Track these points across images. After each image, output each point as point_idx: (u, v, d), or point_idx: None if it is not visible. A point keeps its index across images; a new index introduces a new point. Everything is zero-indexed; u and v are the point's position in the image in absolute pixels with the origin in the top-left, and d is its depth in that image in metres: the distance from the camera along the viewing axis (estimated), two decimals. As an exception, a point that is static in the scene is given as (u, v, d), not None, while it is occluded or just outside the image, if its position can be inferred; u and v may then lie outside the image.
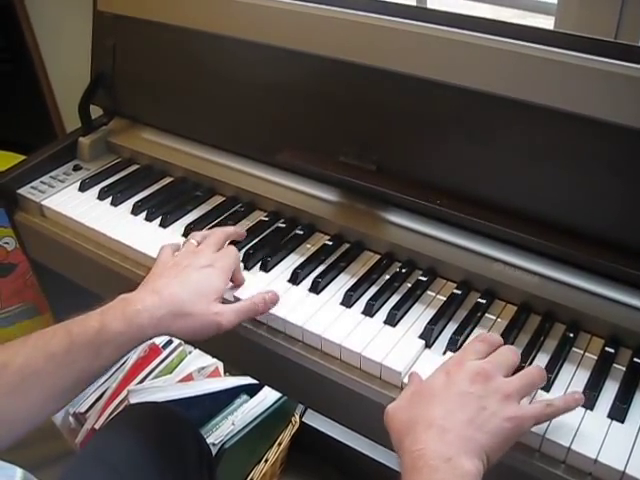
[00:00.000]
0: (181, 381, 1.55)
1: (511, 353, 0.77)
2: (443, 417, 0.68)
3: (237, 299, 0.95)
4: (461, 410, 0.69)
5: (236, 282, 0.98)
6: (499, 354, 0.76)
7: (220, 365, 1.65)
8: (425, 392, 0.72)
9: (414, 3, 1.38)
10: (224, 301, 0.91)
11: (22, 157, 1.33)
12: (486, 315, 0.91)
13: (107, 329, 0.81)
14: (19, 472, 0.68)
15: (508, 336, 0.86)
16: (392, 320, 0.90)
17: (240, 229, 1.05)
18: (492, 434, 0.67)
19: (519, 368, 0.77)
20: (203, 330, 0.86)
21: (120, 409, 1.47)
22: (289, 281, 0.98)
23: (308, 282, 0.97)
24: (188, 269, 0.90)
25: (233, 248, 0.97)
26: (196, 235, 0.98)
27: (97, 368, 0.83)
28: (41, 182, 1.25)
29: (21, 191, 1.23)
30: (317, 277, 0.97)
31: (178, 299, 0.85)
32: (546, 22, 1.20)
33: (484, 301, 0.92)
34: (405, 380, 0.82)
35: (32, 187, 1.24)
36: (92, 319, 0.82)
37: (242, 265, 1.01)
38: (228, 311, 0.87)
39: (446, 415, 0.68)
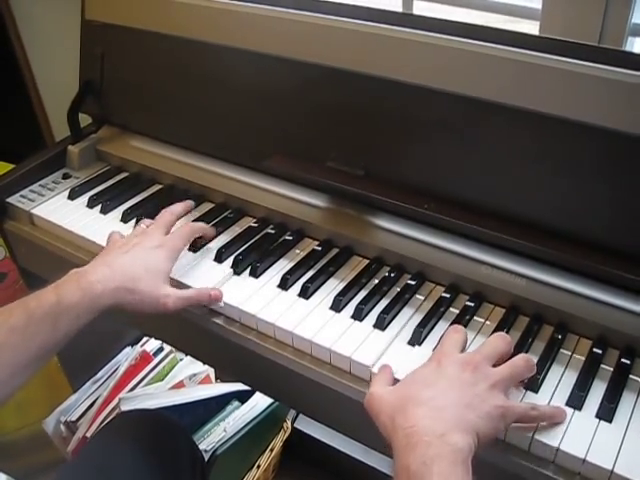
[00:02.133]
0: (172, 388, 1.56)
1: (502, 342, 0.78)
2: (435, 397, 0.69)
3: (231, 307, 0.96)
4: (452, 393, 0.70)
5: (207, 237, 1.06)
6: (488, 345, 0.78)
7: (211, 372, 1.65)
8: (415, 378, 0.74)
9: (400, 10, 1.39)
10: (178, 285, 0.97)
11: (11, 166, 1.33)
12: (475, 318, 0.92)
13: (63, 300, 0.84)
14: (3, 478, 0.68)
15: (496, 338, 0.87)
16: (381, 324, 0.90)
17: (187, 203, 1.09)
18: (482, 418, 0.68)
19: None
20: (150, 308, 0.91)
21: (112, 417, 1.47)
22: (279, 286, 0.99)
23: (297, 287, 0.98)
24: (137, 247, 0.94)
25: (184, 227, 1.01)
26: (146, 221, 1.03)
27: (57, 340, 0.85)
28: (30, 191, 1.25)
29: (10, 200, 1.23)
30: (306, 282, 0.98)
31: (129, 272, 0.90)
32: (532, 27, 1.21)
33: (472, 304, 0.93)
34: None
35: (21, 196, 1.24)
36: (48, 292, 0.86)
37: (232, 271, 1.02)
38: (175, 296, 0.92)
39: (438, 395, 0.70)
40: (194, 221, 1.13)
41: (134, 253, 0.93)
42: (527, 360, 0.77)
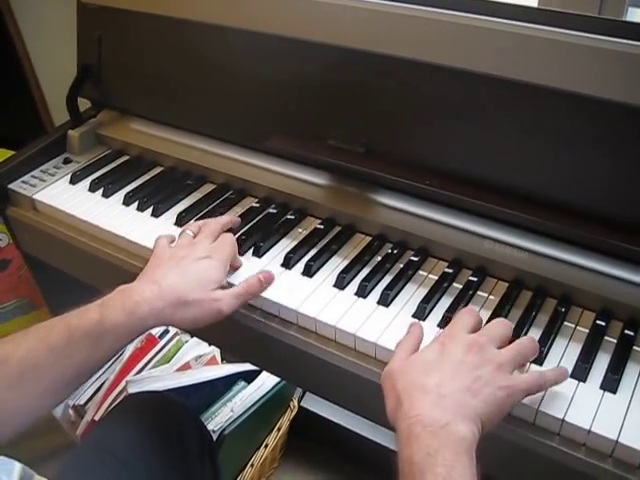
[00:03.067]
0: (179, 370, 1.56)
1: (503, 326, 0.78)
2: (439, 384, 0.69)
3: (231, 285, 0.95)
4: (456, 378, 0.70)
5: (233, 266, 0.98)
6: (491, 327, 0.78)
7: (217, 353, 1.66)
8: (420, 361, 0.74)
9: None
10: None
11: (11, 152, 1.33)
12: (478, 292, 0.92)
13: (106, 321, 0.81)
14: (17, 467, 0.69)
15: (500, 312, 0.87)
16: (385, 300, 0.91)
17: (234, 217, 1.06)
18: (487, 402, 0.69)
19: (511, 341, 0.79)
20: (204, 317, 0.86)
21: (119, 400, 1.48)
22: (282, 265, 0.99)
23: (301, 266, 0.98)
24: (186, 260, 0.90)
25: (229, 236, 0.97)
26: (191, 226, 0.99)
27: (97, 360, 0.83)
28: (32, 176, 1.25)
29: (12, 186, 1.23)
30: (309, 261, 0.98)
31: (177, 289, 0.85)
32: (532, 0, 1.20)
33: (475, 279, 0.93)
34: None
35: (23, 182, 1.24)
36: (91, 311, 0.83)
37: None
38: (227, 296, 0.88)
39: (442, 382, 0.70)
40: (196, 203, 1.13)
41: (183, 267, 0.88)
42: (532, 340, 0.77)
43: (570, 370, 0.79)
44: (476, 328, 0.78)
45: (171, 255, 0.92)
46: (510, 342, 0.77)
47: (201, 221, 1.01)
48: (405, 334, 0.80)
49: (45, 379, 0.80)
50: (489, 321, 0.85)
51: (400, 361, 0.75)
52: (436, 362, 0.73)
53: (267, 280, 0.94)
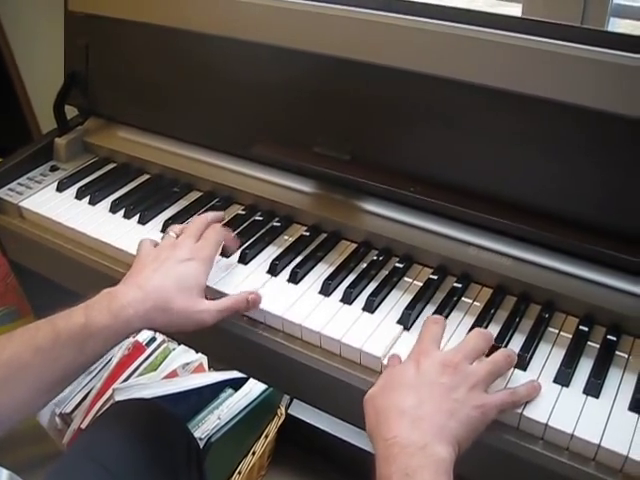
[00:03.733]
0: (166, 378, 1.56)
1: (479, 339, 0.79)
2: (415, 406, 0.70)
3: (221, 294, 0.96)
4: (432, 399, 0.71)
5: (230, 245, 1.01)
6: (467, 342, 0.78)
7: (204, 360, 1.66)
8: (397, 382, 0.74)
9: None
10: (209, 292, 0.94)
11: (-2, 160, 1.33)
12: (462, 299, 0.93)
13: (92, 323, 0.82)
14: (4, 473, 0.69)
15: (484, 318, 0.88)
16: (370, 307, 0.91)
17: (218, 213, 1.05)
18: (462, 422, 0.69)
19: (495, 348, 0.79)
20: (187, 325, 0.87)
21: (106, 408, 1.48)
22: (268, 272, 0.99)
23: (287, 273, 0.99)
24: (169, 262, 0.90)
25: (213, 232, 0.97)
26: (174, 227, 0.99)
27: (83, 362, 0.84)
28: (18, 184, 1.25)
29: (-2, 193, 1.23)
30: (295, 267, 0.98)
31: (161, 293, 0.86)
32: (515, 10, 1.21)
33: (460, 285, 0.94)
34: (385, 362, 0.84)
35: (9, 189, 1.24)
36: (77, 313, 0.83)
37: (221, 258, 1.02)
38: (212, 309, 0.88)
39: (418, 404, 0.70)
40: (182, 210, 1.13)
41: (166, 270, 0.88)
42: (507, 356, 0.78)
43: (553, 375, 0.80)
44: (443, 333, 0.81)
45: (154, 257, 0.92)
46: (491, 351, 0.79)
47: (186, 224, 1.01)
48: (386, 367, 0.81)
49: (31, 381, 0.80)
50: (473, 328, 0.86)
51: (378, 386, 0.76)
52: (411, 383, 0.73)
53: (254, 302, 0.92)
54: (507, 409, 0.75)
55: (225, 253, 1.02)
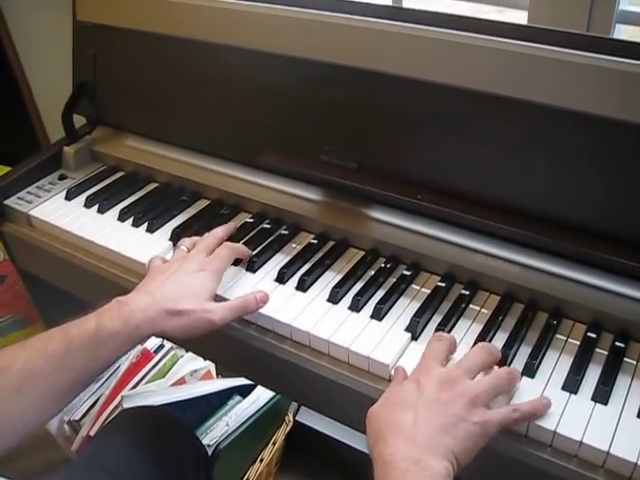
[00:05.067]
0: (174, 385, 1.57)
1: (482, 353, 0.79)
2: (412, 423, 0.70)
3: (224, 299, 0.96)
4: (430, 416, 0.71)
5: (243, 255, 1.03)
6: (468, 357, 0.78)
7: (212, 367, 1.66)
8: (396, 400, 0.75)
9: (390, 3, 1.40)
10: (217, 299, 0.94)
11: (7, 169, 1.34)
12: (470, 306, 0.93)
13: (103, 330, 0.83)
14: None
15: (492, 325, 0.88)
16: (378, 314, 0.92)
17: (230, 226, 1.06)
18: (460, 438, 0.69)
19: (503, 356, 0.80)
20: (196, 327, 0.88)
21: (114, 415, 1.48)
22: (276, 280, 1.00)
23: (294, 281, 0.99)
24: (179, 272, 0.92)
25: (225, 249, 0.98)
26: (185, 241, 1.00)
27: (95, 368, 0.85)
28: (27, 192, 1.26)
29: (8, 202, 1.24)
30: (303, 275, 0.99)
31: (170, 299, 0.87)
32: (520, 17, 1.21)
33: (467, 292, 0.94)
34: (393, 372, 0.84)
35: (19, 198, 1.25)
36: (89, 321, 0.84)
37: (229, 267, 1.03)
38: (220, 308, 0.89)
39: (415, 421, 0.70)
40: (190, 218, 1.14)
41: (176, 278, 0.91)
42: (509, 373, 0.78)
43: (562, 382, 0.80)
44: (450, 351, 0.80)
45: (165, 269, 0.93)
46: (500, 363, 0.79)
47: (196, 237, 1.02)
48: (392, 382, 0.81)
49: (44, 388, 0.81)
50: (480, 335, 0.86)
51: (380, 403, 0.76)
52: (410, 401, 0.73)
53: (262, 300, 0.94)
54: (511, 426, 0.75)
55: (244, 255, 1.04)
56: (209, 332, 0.88)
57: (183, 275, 0.91)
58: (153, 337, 1.63)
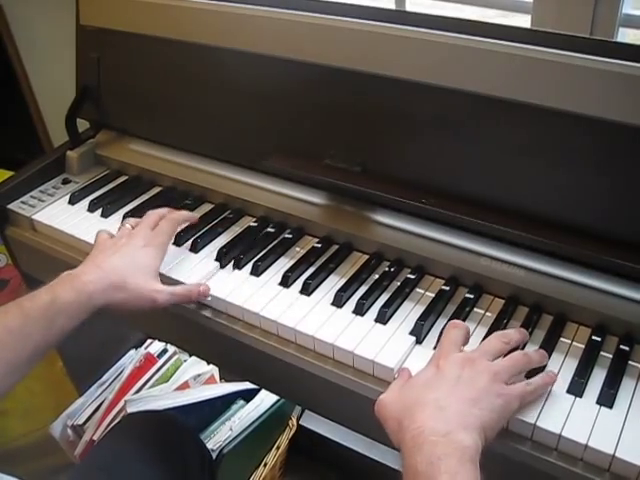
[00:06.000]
0: (177, 389, 1.57)
1: (497, 341, 0.80)
2: (438, 398, 0.71)
3: (232, 305, 0.97)
4: (455, 392, 0.71)
5: (192, 221, 1.11)
6: (484, 343, 0.80)
7: (216, 372, 1.66)
8: (418, 382, 0.75)
9: (393, 7, 1.40)
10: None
11: (10, 173, 1.34)
12: (474, 309, 0.93)
13: (58, 300, 0.87)
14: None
15: (497, 329, 0.88)
16: (383, 318, 0.91)
17: (173, 210, 1.09)
18: (486, 410, 0.70)
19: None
20: (142, 304, 0.94)
21: (118, 419, 1.48)
22: (280, 284, 1.00)
23: (299, 284, 0.99)
24: (125, 247, 0.97)
25: (167, 221, 1.03)
26: (130, 220, 1.05)
27: (52, 339, 0.88)
28: (31, 197, 1.26)
29: (11, 206, 1.24)
30: (307, 279, 0.99)
31: (118, 272, 0.93)
32: (523, 21, 1.21)
33: (472, 296, 0.94)
34: (397, 375, 0.84)
35: (22, 202, 1.25)
36: (42, 293, 0.88)
37: (233, 270, 1.04)
38: (165, 291, 0.95)
39: (441, 397, 0.71)
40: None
41: (123, 253, 0.96)
42: (525, 354, 0.79)
43: (567, 385, 0.80)
44: (465, 339, 0.81)
45: (112, 244, 0.99)
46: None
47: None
48: (397, 376, 0.81)
49: (4, 360, 0.84)
50: (485, 338, 0.86)
51: (392, 392, 0.76)
52: (432, 381, 0.74)
53: (204, 293, 0.98)
54: (528, 400, 0.76)
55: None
56: (149, 310, 0.94)
57: (129, 250, 0.96)
58: (152, 340, 1.64)
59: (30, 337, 0.85)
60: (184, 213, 1.09)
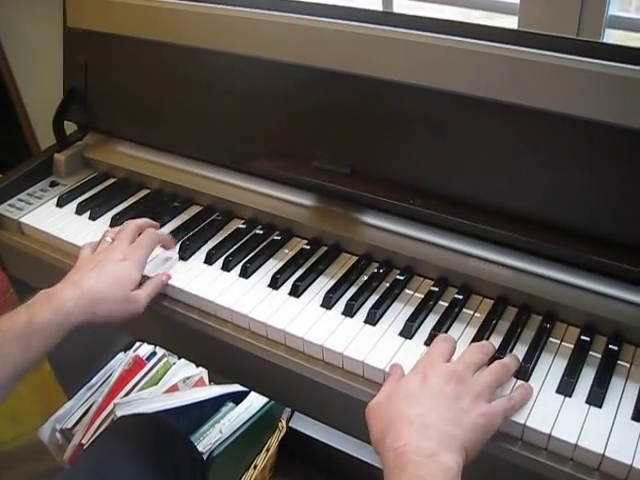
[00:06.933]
0: (167, 392, 1.56)
1: (478, 351, 0.80)
2: (422, 414, 0.71)
3: (222, 308, 0.97)
4: (439, 408, 0.71)
5: (167, 247, 1.09)
6: (468, 354, 0.79)
7: (205, 374, 1.66)
8: (403, 392, 0.75)
9: (380, 8, 1.40)
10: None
11: (-2, 176, 1.33)
12: (464, 310, 0.93)
13: (35, 320, 0.86)
14: None
15: (486, 329, 0.88)
16: (372, 319, 0.92)
17: (152, 221, 1.09)
18: (469, 430, 0.70)
19: (496, 357, 0.80)
20: (122, 313, 0.94)
21: (107, 423, 1.48)
22: (269, 286, 1.00)
23: (288, 286, 0.99)
24: (103, 262, 0.96)
25: (146, 235, 1.03)
26: (109, 232, 1.04)
27: (29, 360, 0.87)
28: (18, 199, 1.25)
29: (-2, 209, 1.23)
30: (296, 281, 0.98)
31: (96, 288, 0.92)
32: (509, 22, 1.22)
33: (461, 297, 0.94)
34: (388, 370, 0.84)
35: (9, 205, 1.24)
36: (19, 313, 0.88)
37: (222, 272, 1.03)
38: (140, 296, 0.96)
39: (425, 412, 0.71)
40: (182, 225, 1.14)
41: (100, 269, 0.95)
42: (503, 365, 0.79)
43: (556, 385, 0.80)
44: (452, 353, 0.80)
45: (90, 260, 0.98)
46: (491, 361, 0.80)
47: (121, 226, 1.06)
48: (388, 376, 0.82)
49: None
50: (474, 339, 0.86)
51: (381, 397, 0.76)
52: (417, 393, 0.74)
53: (167, 279, 1.01)
54: (509, 415, 0.76)
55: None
56: (133, 317, 0.95)
57: (107, 265, 0.96)
58: (141, 343, 1.63)
59: (7, 358, 0.85)
60: (163, 234, 1.09)
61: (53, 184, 1.30)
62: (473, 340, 0.87)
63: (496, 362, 0.80)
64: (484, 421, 0.71)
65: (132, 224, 1.04)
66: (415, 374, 0.77)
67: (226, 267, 1.03)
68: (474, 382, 0.75)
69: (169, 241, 1.08)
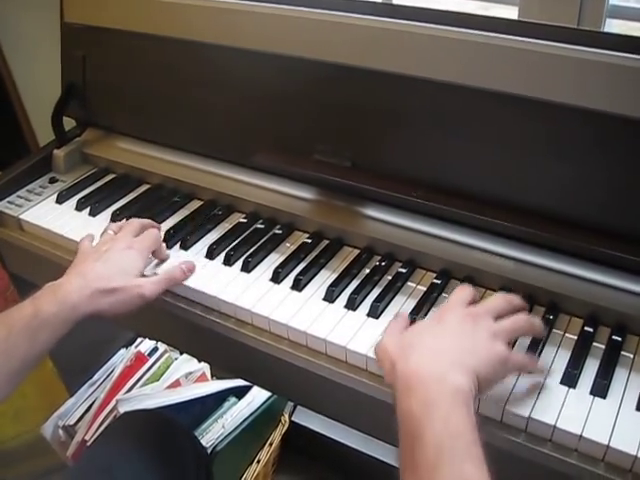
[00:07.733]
0: (169, 387, 1.56)
1: (501, 300, 0.80)
2: (434, 343, 0.72)
3: (225, 303, 0.97)
4: (453, 340, 0.73)
5: (160, 258, 1.05)
6: (489, 300, 0.80)
7: (207, 369, 1.66)
8: (417, 328, 0.77)
9: (381, 0, 1.39)
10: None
11: (-4, 173, 1.33)
12: (467, 302, 0.93)
13: (41, 313, 0.86)
14: None
15: (489, 321, 0.88)
16: (375, 312, 0.91)
17: (157, 225, 1.08)
18: (482, 360, 0.71)
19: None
20: (130, 302, 0.92)
21: (110, 419, 1.48)
22: (271, 280, 0.99)
23: (290, 280, 0.98)
24: (108, 252, 0.96)
25: (152, 231, 1.02)
26: (112, 226, 1.04)
27: (37, 352, 0.87)
28: (18, 196, 1.25)
29: (-2, 206, 1.23)
30: (298, 275, 0.98)
31: (101, 277, 0.91)
32: (509, 12, 1.21)
33: (464, 289, 0.94)
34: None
35: (9, 202, 1.24)
36: (25, 306, 0.87)
37: (223, 267, 1.03)
38: (149, 282, 0.94)
39: (437, 342, 0.72)
40: (183, 220, 1.13)
41: (106, 258, 0.94)
42: (528, 319, 0.79)
43: (560, 376, 0.80)
44: (473, 300, 0.81)
45: (95, 250, 0.98)
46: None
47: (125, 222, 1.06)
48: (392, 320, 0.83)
49: None
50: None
51: (392, 334, 0.78)
52: (432, 328, 0.75)
53: (189, 269, 1.00)
54: (522, 369, 0.77)
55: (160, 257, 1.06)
56: (141, 306, 0.93)
57: (112, 254, 0.95)
58: (142, 339, 1.63)
59: (14, 351, 0.84)
60: (163, 246, 1.07)
61: (52, 180, 1.29)
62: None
63: (522, 314, 0.80)
64: (498, 358, 0.72)
65: (136, 221, 1.04)
66: (432, 317, 0.79)
67: (228, 262, 1.03)
68: (492, 323, 0.75)
69: (164, 252, 1.06)
